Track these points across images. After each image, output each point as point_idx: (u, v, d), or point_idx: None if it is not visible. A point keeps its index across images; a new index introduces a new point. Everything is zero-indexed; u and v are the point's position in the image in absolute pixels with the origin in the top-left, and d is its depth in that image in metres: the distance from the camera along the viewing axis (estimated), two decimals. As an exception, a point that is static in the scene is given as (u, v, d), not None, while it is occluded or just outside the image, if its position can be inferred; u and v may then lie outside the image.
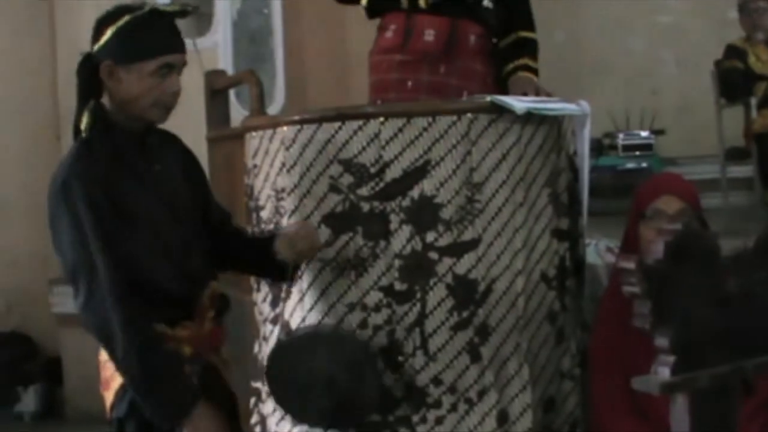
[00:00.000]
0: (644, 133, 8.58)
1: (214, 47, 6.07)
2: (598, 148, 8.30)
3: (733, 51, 7.10)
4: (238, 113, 4.78)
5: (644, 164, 8.32)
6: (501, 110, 2.95)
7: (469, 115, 2.93)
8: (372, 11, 3.74)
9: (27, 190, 6.38)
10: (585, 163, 3.29)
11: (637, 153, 8.41)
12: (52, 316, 6.26)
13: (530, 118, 3.00)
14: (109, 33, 2.71)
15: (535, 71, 3.75)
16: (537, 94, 3.52)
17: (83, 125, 2.68)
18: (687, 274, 1.95)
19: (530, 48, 3.80)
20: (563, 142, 3.19)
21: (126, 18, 2.71)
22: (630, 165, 8.33)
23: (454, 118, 2.92)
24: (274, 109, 6.01)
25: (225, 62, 6.06)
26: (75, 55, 5.89)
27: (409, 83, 3.61)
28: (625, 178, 8.08)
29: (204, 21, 6.14)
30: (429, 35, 3.61)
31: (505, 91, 3.59)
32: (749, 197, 7.48)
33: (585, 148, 3.27)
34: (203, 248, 2.85)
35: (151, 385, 2.57)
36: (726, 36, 7.88)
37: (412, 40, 3.62)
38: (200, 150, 3.43)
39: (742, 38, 7.19)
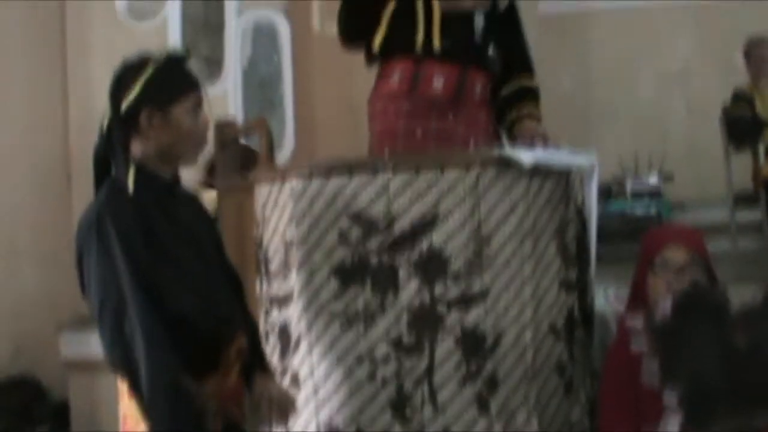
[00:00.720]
0: (653, 178, 8.56)
1: (224, 94, 6.11)
2: (606, 193, 8.29)
3: (740, 97, 7.11)
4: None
5: (653, 209, 8.30)
6: (509, 163, 2.96)
7: (477, 167, 2.94)
8: (380, 56, 3.66)
9: (37, 233, 6.39)
10: (593, 214, 3.29)
11: (646, 198, 8.40)
12: (60, 361, 6.26)
13: (538, 170, 3.01)
14: (139, 85, 2.75)
15: (538, 119, 3.75)
16: (545, 142, 3.52)
17: (130, 179, 2.71)
18: (695, 331, 1.96)
19: (533, 95, 3.80)
20: (571, 193, 3.20)
21: (151, 67, 2.76)
22: (639, 210, 8.32)
23: (463, 170, 2.93)
24: (283, 155, 6.03)
25: (235, 109, 6.09)
26: (86, 99, 5.98)
27: (419, 131, 3.56)
28: (633, 223, 8.05)
29: (214, 68, 6.18)
30: (438, 82, 3.57)
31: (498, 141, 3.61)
32: (759, 242, 7.46)
33: (593, 199, 3.28)
34: (231, 294, 2.87)
35: (175, 426, 2.57)
36: (734, 80, 7.90)
37: (420, 87, 3.57)
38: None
39: (749, 84, 7.21)
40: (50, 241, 6.20)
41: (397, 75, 3.60)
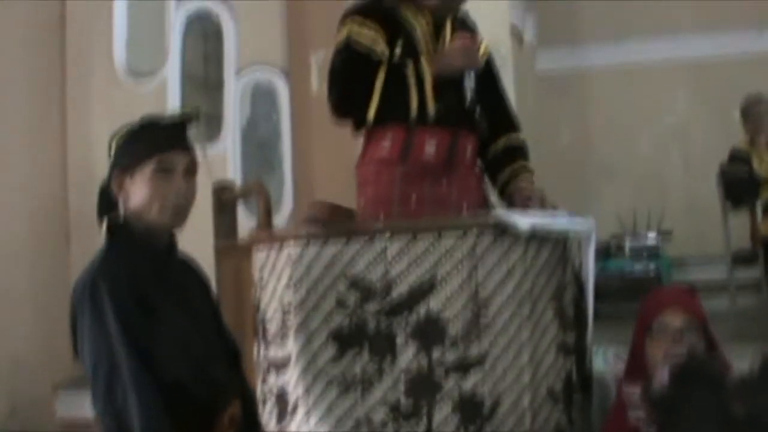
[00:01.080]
0: (651, 235, 8.58)
1: (223, 153, 6.14)
2: (605, 251, 8.30)
3: (737, 155, 7.13)
4: (246, 219, 4.81)
5: (652, 266, 8.31)
6: (506, 227, 2.96)
7: (474, 231, 2.94)
8: (372, 125, 3.61)
9: (34, 291, 6.38)
10: (590, 278, 3.29)
11: (645, 255, 8.41)
12: (56, 422, 6.22)
13: (535, 234, 3.01)
14: (113, 146, 2.79)
15: (531, 172, 3.75)
16: (542, 202, 3.52)
17: (102, 232, 2.73)
18: (692, 402, 1.96)
19: (523, 150, 3.80)
20: (568, 257, 3.20)
21: (126, 129, 2.79)
22: (638, 268, 8.32)
23: (460, 234, 2.94)
24: (282, 215, 6.04)
25: (234, 168, 6.12)
26: (86, 159, 6.00)
27: (413, 197, 3.55)
28: (632, 281, 8.07)
29: (213, 127, 6.21)
30: (430, 147, 3.56)
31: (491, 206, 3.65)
32: (757, 300, 7.45)
33: (590, 263, 3.27)
34: (226, 359, 2.86)
35: None
36: (732, 136, 7.93)
37: (413, 154, 3.56)
38: (208, 261, 3.45)
39: (746, 142, 7.23)
40: (47, 299, 6.19)
41: (388, 141, 3.59)
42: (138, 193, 2.74)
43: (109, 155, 2.84)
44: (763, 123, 7.12)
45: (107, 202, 2.81)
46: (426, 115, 3.54)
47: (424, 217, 3.47)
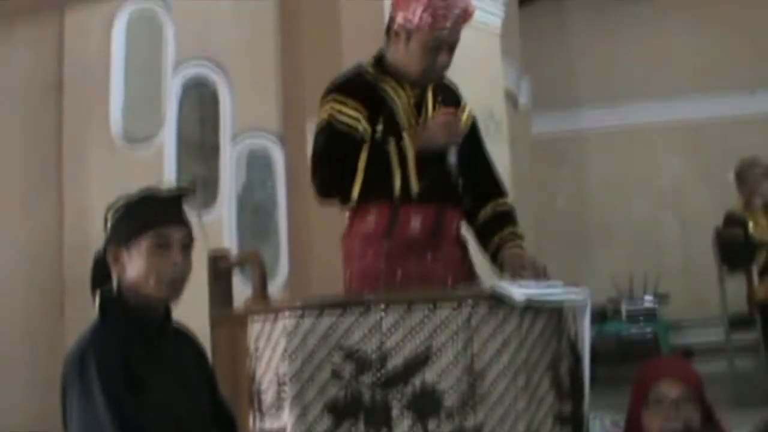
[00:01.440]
0: (648, 298, 8.59)
1: (219, 220, 6.14)
2: (602, 314, 8.31)
3: (732, 219, 7.15)
4: (241, 286, 4.80)
5: (649, 330, 8.31)
6: (501, 299, 2.96)
7: (469, 303, 2.94)
8: (358, 202, 3.62)
9: (28, 364, 6.34)
10: (586, 347, 3.28)
11: (642, 319, 8.41)
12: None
13: (530, 305, 3.01)
14: (109, 219, 2.80)
15: (521, 237, 3.73)
16: (535, 270, 3.51)
17: (95, 305, 2.74)
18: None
19: (511, 216, 3.79)
20: (564, 327, 3.20)
21: (121, 201, 2.80)
22: (635, 331, 8.32)
23: (455, 306, 2.93)
24: (278, 282, 6.03)
25: (229, 235, 6.12)
26: (82, 226, 5.99)
27: (399, 272, 3.55)
28: (630, 345, 8.07)
29: (209, 193, 6.22)
30: (416, 223, 3.57)
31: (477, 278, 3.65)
32: (755, 362, 7.45)
33: (586, 333, 3.27)
34: (220, 430, 2.86)
35: None
36: (726, 197, 7.96)
37: (398, 228, 3.57)
38: (204, 330, 3.44)
39: (741, 205, 7.25)
40: (42, 371, 6.15)
41: (373, 216, 3.60)
42: (134, 266, 2.76)
43: (105, 227, 2.86)
44: (759, 186, 7.14)
45: (101, 274, 2.82)
46: (410, 192, 3.54)
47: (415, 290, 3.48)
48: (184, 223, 2.85)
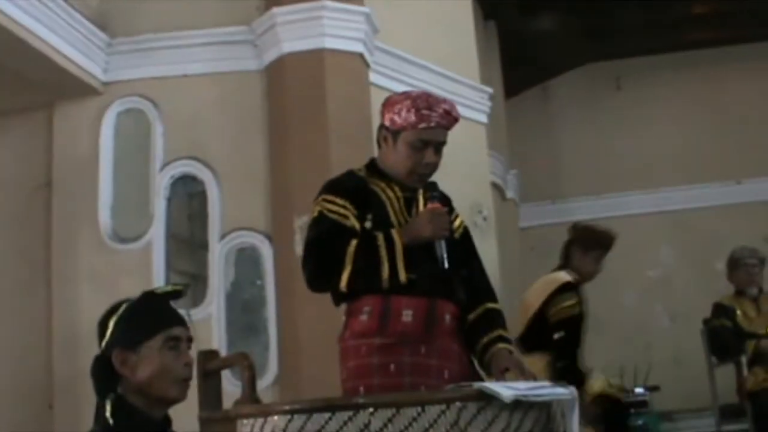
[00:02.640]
0: (639, 390, 8.57)
1: (207, 318, 6.14)
2: (593, 407, 8.28)
3: (720, 309, 7.16)
4: (231, 385, 4.79)
5: (640, 421, 8.28)
6: (489, 398, 2.96)
7: (458, 404, 2.93)
8: (348, 296, 3.67)
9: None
10: (576, 445, 3.27)
11: (633, 410, 8.37)
12: None
13: (519, 404, 3.00)
14: (112, 325, 2.83)
15: (509, 341, 3.74)
16: (521, 372, 3.52)
17: (107, 413, 2.74)
18: None
19: (500, 319, 3.80)
20: (553, 426, 3.18)
21: (124, 306, 2.84)
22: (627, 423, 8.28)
23: (443, 407, 2.91)
24: (267, 379, 6.00)
25: (218, 333, 6.11)
26: (70, 325, 5.99)
27: (392, 366, 3.56)
28: (621, 437, 8.03)
29: (198, 292, 6.22)
30: (407, 316, 3.59)
31: (477, 372, 3.65)
32: (747, 452, 7.41)
33: (575, 430, 3.26)
34: None
35: None
36: (715, 287, 8.00)
37: (390, 323, 3.59)
38: (193, 431, 3.44)
39: (729, 296, 7.27)
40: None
41: (366, 313, 3.63)
42: (146, 368, 2.79)
43: (103, 334, 2.87)
44: (756, 275, 7.16)
45: (104, 380, 2.83)
46: (398, 282, 3.56)
47: (403, 386, 3.50)
48: (185, 323, 2.91)
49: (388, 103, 3.77)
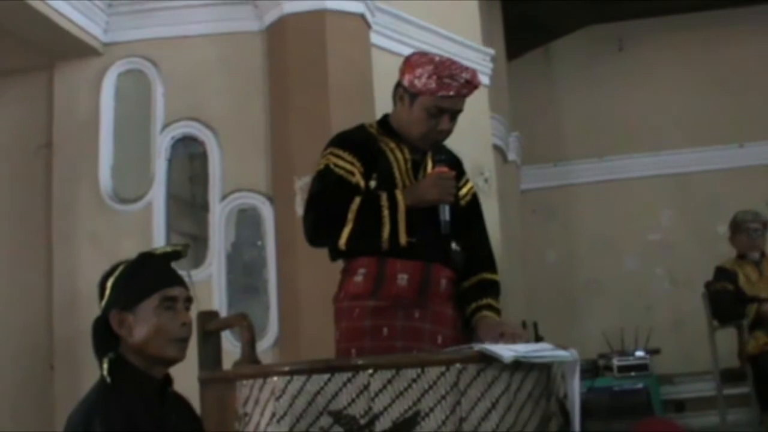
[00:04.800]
0: (639, 353, 8.58)
1: (208, 279, 6.14)
2: (593, 369, 8.30)
3: (722, 273, 7.14)
4: (231, 346, 4.80)
5: (640, 384, 8.29)
6: (489, 359, 2.96)
7: (457, 365, 2.93)
8: (345, 254, 3.67)
9: (18, 420, 6.33)
10: (576, 407, 3.27)
11: (633, 373, 8.39)
12: None
13: (519, 365, 3.00)
14: (109, 286, 2.84)
15: (498, 311, 3.73)
16: (513, 336, 3.49)
17: (105, 372, 2.75)
18: None
19: (494, 289, 3.79)
20: (553, 388, 3.19)
21: (121, 267, 2.84)
22: (626, 386, 8.30)
23: (443, 368, 2.92)
24: (268, 340, 6.01)
25: (219, 294, 6.11)
26: (70, 286, 6.00)
27: (385, 330, 3.56)
28: (621, 399, 8.05)
29: (199, 253, 6.22)
30: (402, 280, 3.59)
31: (471, 337, 3.62)
32: (747, 416, 7.42)
33: (575, 393, 3.26)
34: None
35: None
36: (717, 250, 7.98)
37: (385, 286, 3.59)
38: (193, 391, 3.44)
39: (731, 259, 7.25)
40: (31, 427, 6.13)
41: (361, 275, 3.63)
42: (142, 328, 2.79)
43: (102, 296, 2.88)
44: (758, 239, 7.14)
45: (103, 340, 2.83)
46: (397, 245, 3.55)
47: (395, 350, 3.49)
48: (184, 283, 2.90)
49: (409, 64, 3.71)
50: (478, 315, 3.67)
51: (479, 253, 3.85)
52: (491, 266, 3.85)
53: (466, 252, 3.78)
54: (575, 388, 3.23)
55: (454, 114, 3.69)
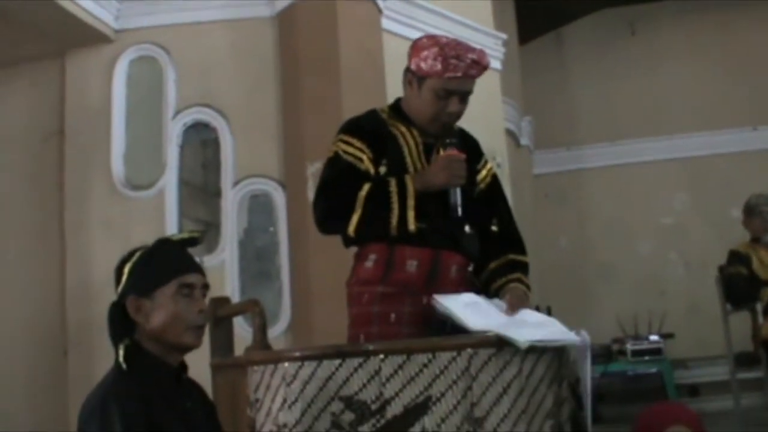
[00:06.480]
0: (653, 338, 8.57)
1: (220, 265, 6.15)
2: (607, 354, 8.29)
3: (736, 257, 7.11)
4: (243, 332, 4.80)
5: (654, 369, 8.28)
6: (501, 344, 2.95)
7: (469, 350, 2.93)
8: (356, 241, 3.65)
9: (32, 405, 6.36)
10: (587, 392, 3.27)
11: (647, 358, 8.38)
12: None
13: (532, 349, 3.00)
14: (126, 272, 2.83)
15: (527, 286, 3.66)
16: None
17: (120, 358, 2.75)
18: None
19: (523, 268, 3.74)
20: (565, 372, 3.18)
21: (138, 253, 2.84)
22: (640, 370, 8.30)
23: (454, 353, 2.92)
24: (280, 326, 6.02)
25: (231, 280, 6.12)
26: (83, 272, 6.01)
27: (392, 316, 3.53)
28: (635, 383, 8.06)
29: (211, 239, 6.23)
30: (411, 266, 3.56)
31: None
32: (761, 399, 7.42)
33: (587, 377, 3.25)
34: None
35: None
36: (730, 234, 7.95)
37: (394, 272, 3.57)
38: (205, 377, 3.45)
39: (745, 243, 7.21)
40: (44, 413, 6.15)
41: (371, 260, 3.61)
42: (159, 315, 2.78)
43: (119, 281, 2.87)
44: None
45: (120, 326, 2.83)
46: (406, 231, 3.53)
47: (404, 337, 3.45)
48: (201, 270, 2.90)
49: (416, 47, 3.69)
50: (507, 287, 3.61)
51: (505, 236, 3.81)
52: (519, 249, 3.80)
53: (496, 233, 3.75)
54: (587, 372, 3.23)
55: (463, 95, 3.65)
